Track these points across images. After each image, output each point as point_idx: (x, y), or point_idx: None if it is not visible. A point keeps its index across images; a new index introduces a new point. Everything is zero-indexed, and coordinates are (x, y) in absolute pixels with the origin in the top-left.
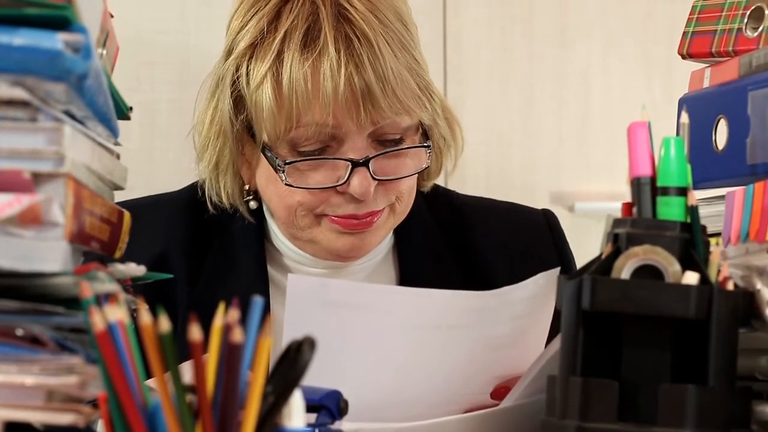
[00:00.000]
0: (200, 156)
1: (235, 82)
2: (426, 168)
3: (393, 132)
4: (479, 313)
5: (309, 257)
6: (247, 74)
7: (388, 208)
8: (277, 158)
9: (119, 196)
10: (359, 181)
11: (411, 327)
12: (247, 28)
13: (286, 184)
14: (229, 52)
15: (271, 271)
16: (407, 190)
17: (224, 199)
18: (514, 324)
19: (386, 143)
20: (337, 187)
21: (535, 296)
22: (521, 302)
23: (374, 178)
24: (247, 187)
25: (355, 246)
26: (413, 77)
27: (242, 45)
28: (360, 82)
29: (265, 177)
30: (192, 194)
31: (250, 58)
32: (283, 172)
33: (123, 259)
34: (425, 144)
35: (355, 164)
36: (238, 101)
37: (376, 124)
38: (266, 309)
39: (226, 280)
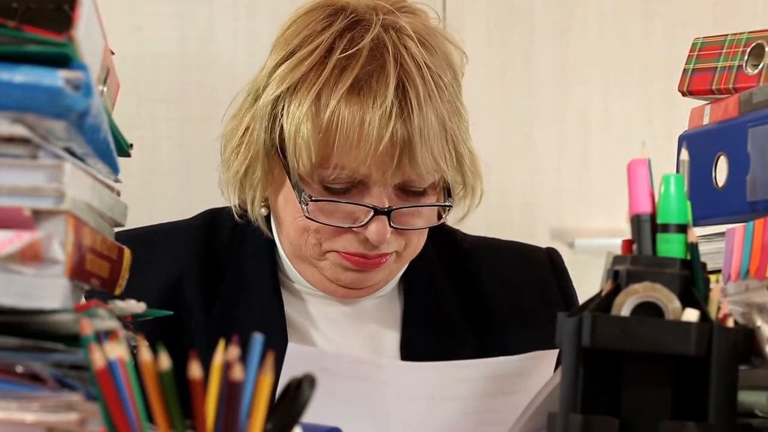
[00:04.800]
0: (227, 164)
1: (275, 107)
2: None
3: (418, 185)
4: (472, 384)
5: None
6: (290, 103)
7: (396, 254)
8: (303, 191)
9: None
10: (377, 229)
11: (405, 398)
12: (298, 55)
13: (306, 217)
14: (272, 73)
15: (285, 295)
16: (417, 238)
17: (247, 207)
18: (505, 400)
19: (409, 194)
20: (353, 228)
21: (529, 374)
22: (514, 377)
23: (391, 226)
24: (265, 199)
25: (358, 281)
26: (450, 133)
27: (287, 71)
28: (403, 136)
29: (285, 198)
30: (206, 222)
31: (296, 88)
32: (306, 205)
33: (137, 286)
34: (447, 204)
35: (378, 212)
36: (277, 125)
37: (406, 177)
38: (284, 338)
39: (241, 307)
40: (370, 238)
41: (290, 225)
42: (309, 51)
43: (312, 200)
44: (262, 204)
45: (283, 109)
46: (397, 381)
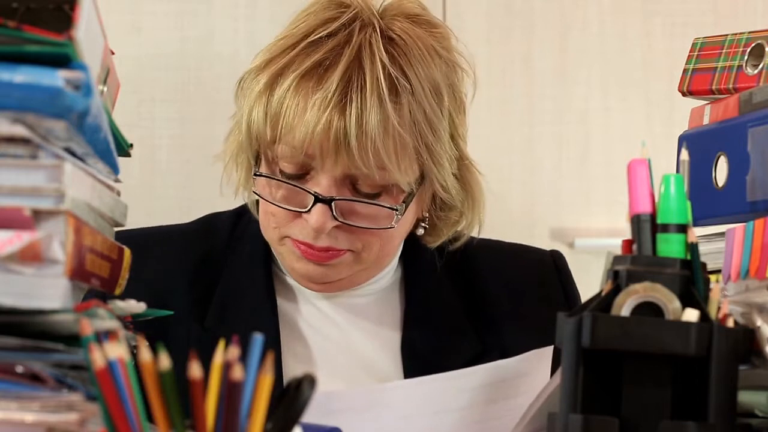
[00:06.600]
0: (226, 143)
1: (247, 83)
2: (390, 228)
3: (369, 184)
4: (473, 393)
5: None
6: (253, 79)
7: (353, 254)
8: (255, 165)
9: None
10: (317, 216)
11: (410, 417)
12: (279, 37)
13: (253, 191)
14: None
15: (279, 299)
16: (378, 242)
17: (239, 186)
18: (508, 404)
19: (360, 194)
20: (303, 214)
21: (528, 375)
22: (514, 380)
23: (335, 218)
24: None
25: (314, 274)
26: (409, 143)
27: (266, 50)
28: (339, 126)
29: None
30: (203, 227)
31: (265, 66)
32: (254, 179)
33: (124, 292)
34: (393, 207)
35: (318, 199)
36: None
37: (347, 171)
38: (276, 338)
39: (235, 311)
40: (310, 224)
41: (260, 207)
42: (292, 35)
43: (258, 175)
44: (254, 190)
45: (248, 84)
46: (402, 401)
